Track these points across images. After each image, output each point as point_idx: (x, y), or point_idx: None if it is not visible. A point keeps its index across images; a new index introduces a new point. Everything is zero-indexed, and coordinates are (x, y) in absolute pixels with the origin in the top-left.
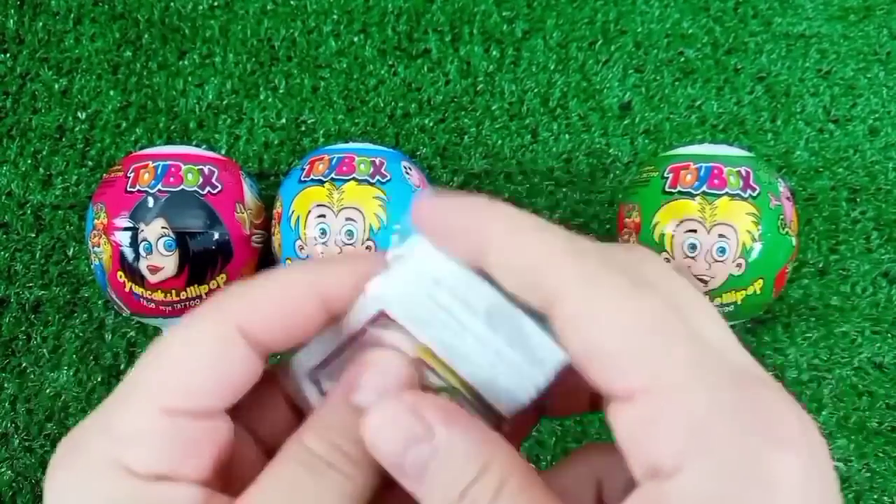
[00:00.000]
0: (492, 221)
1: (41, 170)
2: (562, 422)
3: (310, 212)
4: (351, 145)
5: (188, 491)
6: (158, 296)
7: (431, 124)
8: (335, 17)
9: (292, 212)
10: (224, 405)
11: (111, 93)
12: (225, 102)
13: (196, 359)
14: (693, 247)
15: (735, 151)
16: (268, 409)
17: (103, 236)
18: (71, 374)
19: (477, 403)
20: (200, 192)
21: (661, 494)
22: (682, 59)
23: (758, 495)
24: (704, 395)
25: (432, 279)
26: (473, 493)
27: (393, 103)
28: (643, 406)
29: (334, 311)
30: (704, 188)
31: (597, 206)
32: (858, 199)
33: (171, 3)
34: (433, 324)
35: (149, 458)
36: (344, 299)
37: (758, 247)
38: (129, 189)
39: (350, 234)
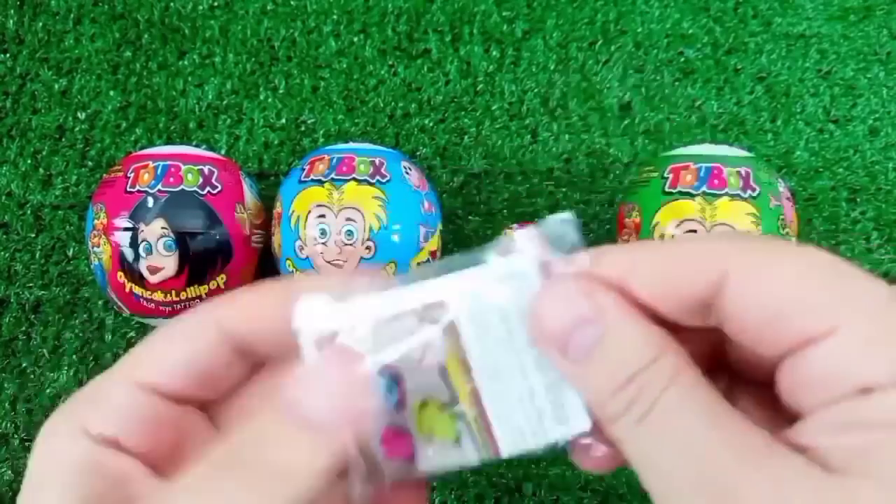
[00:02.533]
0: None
1: (41, 170)
2: None
3: (310, 212)
4: (351, 145)
5: (126, 462)
6: (158, 296)
7: (431, 124)
8: (335, 17)
9: (292, 212)
10: (198, 394)
11: (111, 93)
12: (225, 102)
13: (174, 343)
14: None
15: (735, 151)
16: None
17: (103, 236)
18: (71, 374)
19: (477, 433)
20: (200, 192)
21: (876, 405)
22: (682, 59)
23: None
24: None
25: (512, 295)
26: (644, 379)
27: (393, 103)
28: (848, 335)
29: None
30: (704, 188)
31: (597, 206)
32: (858, 199)
33: (171, 3)
34: (489, 332)
35: (104, 423)
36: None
37: None
38: (129, 189)
39: (350, 234)
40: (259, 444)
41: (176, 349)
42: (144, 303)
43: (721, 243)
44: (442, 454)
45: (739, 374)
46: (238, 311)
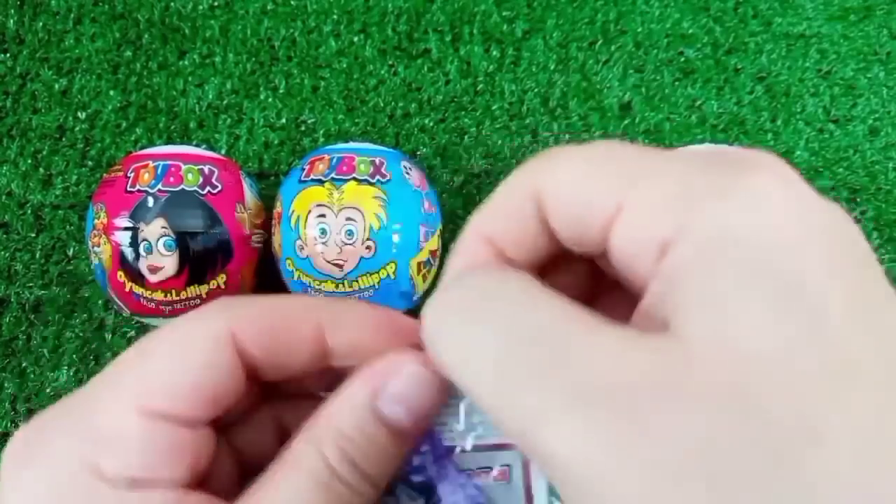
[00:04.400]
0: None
1: (41, 170)
2: None
3: (310, 212)
4: (351, 145)
5: (163, 496)
6: (158, 296)
7: (431, 124)
8: (335, 17)
9: (292, 212)
10: (208, 416)
11: (111, 93)
12: (225, 102)
13: (183, 360)
14: None
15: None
16: (252, 428)
17: (103, 236)
18: (71, 374)
19: None
20: (200, 191)
21: (670, 260)
22: (682, 59)
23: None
24: (675, 175)
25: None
26: (470, 276)
27: (393, 103)
28: (631, 207)
29: (331, 349)
30: None
31: None
32: (858, 199)
33: (171, 3)
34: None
35: (124, 463)
36: (346, 341)
37: None
38: (129, 189)
39: (350, 233)
40: None
41: (181, 368)
42: (144, 302)
43: (524, 173)
44: None
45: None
46: (252, 322)
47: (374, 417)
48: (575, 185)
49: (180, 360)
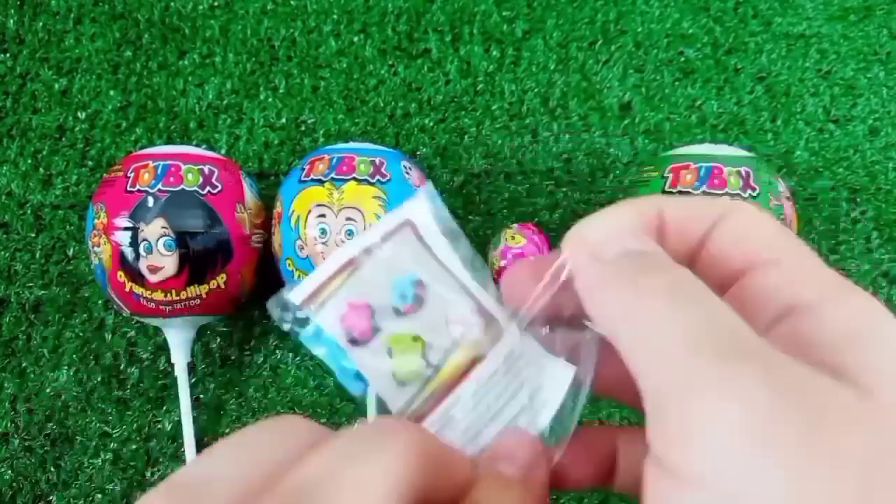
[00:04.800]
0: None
1: (41, 170)
2: None
3: (310, 211)
4: (351, 145)
5: None
6: (158, 295)
7: (431, 124)
8: (335, 17)
9: (292, 212)
10: None
11: (111, 93)
12: (225, 102)
13: None
14: None
15: (735, 151)
16: None
17: (103, 236)
18: (71, 374)
19: (424, 391)
20: (200, 191)
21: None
22: (682, 59)
23: None
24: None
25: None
26: (647, 258)
27: (393, 103)
28: (785, 265)
29: None
30: (704, 188)
31: (597, 206)
32: (858, 199)
33: (171, 3)
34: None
35: None
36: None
37: None
38: (129, 189)
39: (350, 233)
40: None
41: None
42: (144, 302)
43: (720, 201)
44: (379, 373)
45: None
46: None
47: (502, 486)
48: (753, 226)
49: None
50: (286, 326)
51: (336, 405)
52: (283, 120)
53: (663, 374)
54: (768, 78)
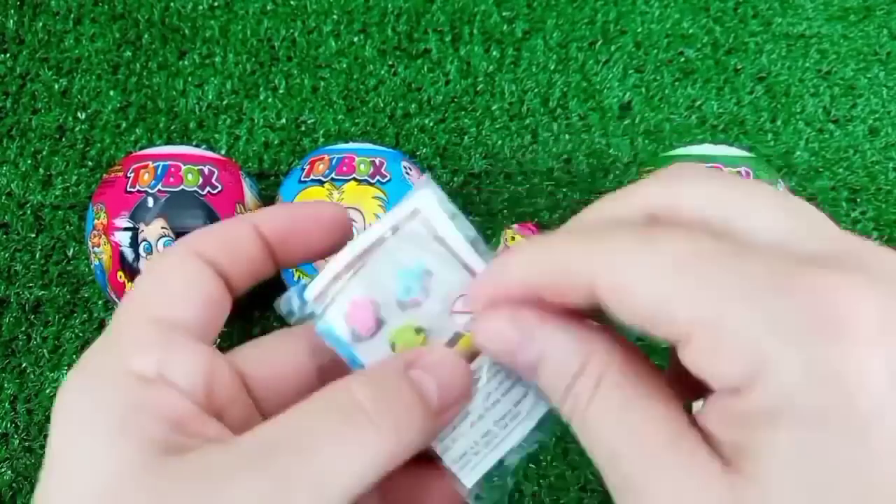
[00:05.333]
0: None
1: (41, 170)
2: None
3: None
4: (351, 145)
5: (178, 399)
6: None
7: (431, 124)
8: (335, 17)
9: None
10: (208, 323)
11: (111, 93)
12: (225, 102)
13: (172, 275)
14: None
15: (735, 151)
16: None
17: (103, 236)
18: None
19: None
20: (200, 192)
21: (744, 403)
22: (682, 59)
23: (834, 399)
24: (751, 316)
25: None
26: (577, 388)
27: (393, 103)
28: (699, 342)
29: (279, 243)
30: None
31: None
32: (858, 199)
33: (171, 3)
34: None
35: (151, 362)
36: (278, 229)
37: None
38: (129, 189)
39: None
40: (308, 432)
41: (169, 280)
42: None
43: (588, 246)
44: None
45: None
46: (218, 246)
47: (406, 380)
48: (653, 284)
49: (164, 276)
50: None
51: None
52: (283, 120)
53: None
54: (768, 78)
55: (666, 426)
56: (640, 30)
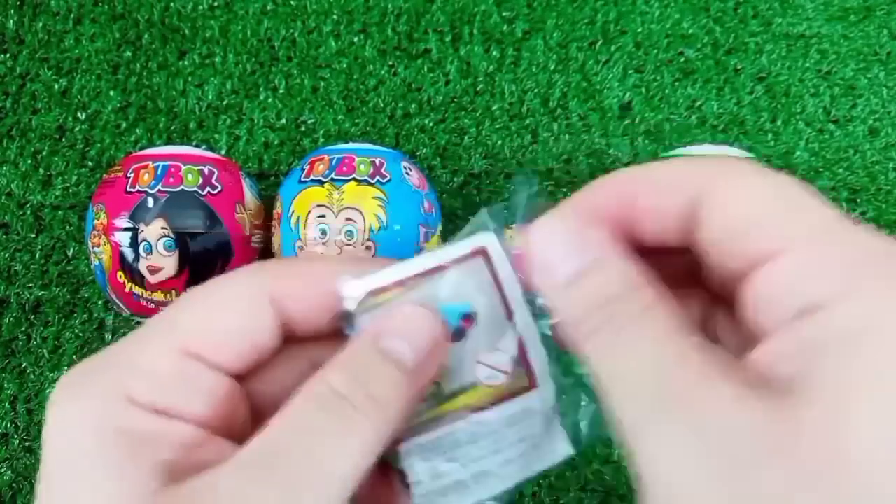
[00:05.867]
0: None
1: (41, 170)
2: None
3: (310, 212)
4: (351, 145)
5: (185, 428)
6: (158, 296)
7: (431, 124)
8: (335, 17)
9: (292, 212)
10: (243, 366)
11: (111, 93)
12: (225, 102)
13: (226, 312)
14: None
15: (735, 151)
16: (276, 383)
17: (103, 236)
18: None
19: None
20: (200, 192)
21: (814, 327)
22: (682, 59)
23: None
24: (852, 245)
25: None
26: (620, 306)
27: (393, 103)
28: (796, 255)
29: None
30: None
31: None
32: (858, 200)
33: (171, 3)
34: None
35: (153, 391)
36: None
37: None
38: (129, 189)
39: (350, 234)
40: (300, 434)
41: (226, 319)
42: (144, 303)
43: (698, 166)
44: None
45: (717, 297)
46: (293, 284)
47: (378, 353)
48: (748, 205)
49: (224, 311)
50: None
51: None
52: (283, 120)
53: (626, 416)
54: (768, 78)
55: (718, 357)
56: (640, 30)
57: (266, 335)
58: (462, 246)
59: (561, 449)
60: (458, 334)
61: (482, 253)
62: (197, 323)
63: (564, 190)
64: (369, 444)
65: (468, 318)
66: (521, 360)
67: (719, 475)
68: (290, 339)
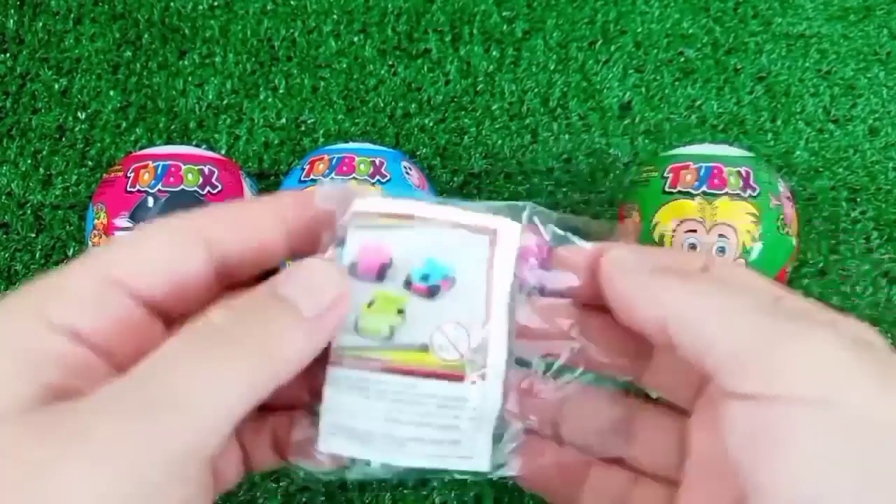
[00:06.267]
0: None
1: (41, 170)
2: None
3: None
4: (351, 145)
5: (89, 357)
6: None
7: (431, 124)
8: (335, 17)
9: None
10: (169, 303)
11: (111, 93)
12: (225, 102)
13: (155, 246)
14: (693, 247)
15: (735, 151)
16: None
17: (103, 236)
18: None
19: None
20: (200, 192)
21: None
22: (682, 59)
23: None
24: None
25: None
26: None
27: (393, 103)
28: (763, 413)
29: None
30: (704, 188)
31: (597, 206)
32: (858, 199)
33: (171, 3)
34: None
35: (72, 312)
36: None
37: (757, 247)
38: (129, 189)
39: None
40: (170, 366)
41: (156, 253)
42: None
43: (662, 293)
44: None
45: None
46: (227, 225)
47: (273, 297)
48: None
49: (151, 242)
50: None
51: None
52: (283, 120)
53: (743, 334)
54: (768, 78)
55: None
56: (640, 30)
57: (192, 269)
58: (483, 218)
59: (479, 460)
60: (432, 291)
61: (494, 234)
62: (123, 254)
63: (564, 189)
64: (244, 384)
65: (447, 280)
66: (481, 350)
67: (877, 364)
68: (234, 285)
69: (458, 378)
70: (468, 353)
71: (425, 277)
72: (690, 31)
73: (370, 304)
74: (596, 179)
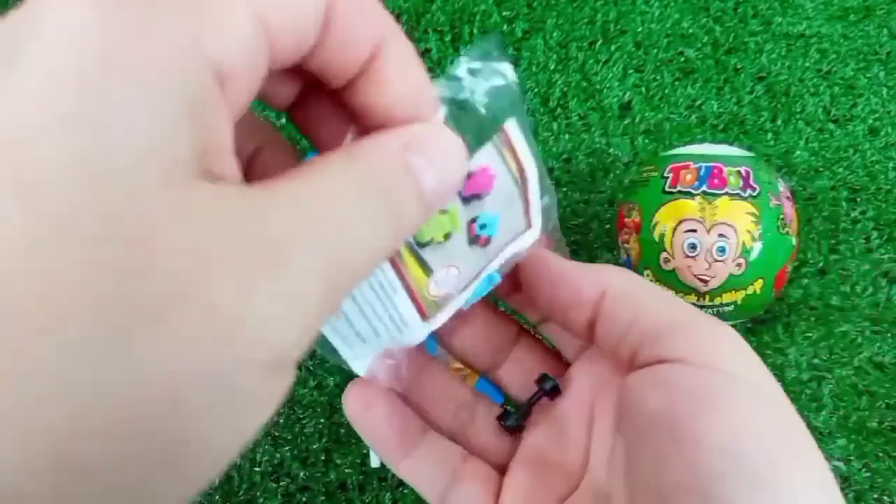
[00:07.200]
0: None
1: None
2: None
3: None
4: None
5: (235, 104)
6: None
7: None
8: None
9: None
10: (295, 56)
11: None
12: None
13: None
14: (693, 246)
15: (735, 151)
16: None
17: None
18: None
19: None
20: None
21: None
22: (682, 59)
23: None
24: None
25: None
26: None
27: None
28: (698, 375)
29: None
30: (704, 188)
31: (597, 206)
32: (858, 199)
33: None
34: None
35: (229, 49)
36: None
37: (758, 246)
38: None
39: None
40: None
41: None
42: None
43: (605, 271)
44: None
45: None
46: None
47: (402, 162)
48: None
49: None
50: None
51: (336, 405)
52: (283, 120)
53: (675, 311)
54: (768, 78)
55: None
56: (640, 30)
57: (311, 35)
58: (532, 234)
59: (359, 362)
60: (477, 240)
61: (533, 243)
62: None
63: (564, 189)
64: (381, 249)
65: (488, 239)
66: (444, 304)
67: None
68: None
69: (423, 314)
70: (441, 301)
71: (483, 227)
72: (690, 30)
73: (442, 210)
74: (596, 179)
